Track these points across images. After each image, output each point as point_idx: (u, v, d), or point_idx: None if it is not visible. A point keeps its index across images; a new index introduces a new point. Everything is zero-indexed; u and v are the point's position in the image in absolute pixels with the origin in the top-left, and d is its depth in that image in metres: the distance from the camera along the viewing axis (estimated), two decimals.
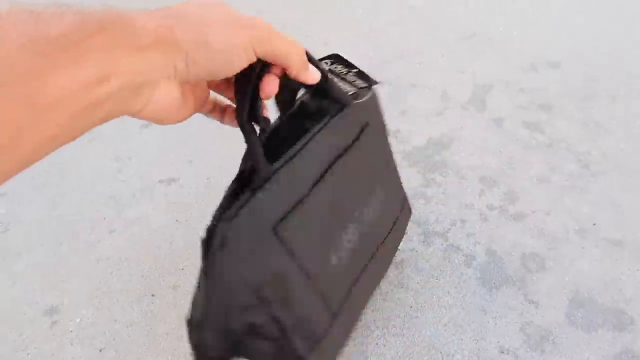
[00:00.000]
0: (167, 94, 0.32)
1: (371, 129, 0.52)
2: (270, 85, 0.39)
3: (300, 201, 0.43)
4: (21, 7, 0.25)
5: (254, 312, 0.42)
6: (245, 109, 0.39)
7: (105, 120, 0.29)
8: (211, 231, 0.40)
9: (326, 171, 0.46)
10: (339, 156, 0.47)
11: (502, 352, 0.60)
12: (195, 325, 0.43)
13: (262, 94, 0.39)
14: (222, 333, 0.43)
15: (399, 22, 1.30)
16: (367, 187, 0.53)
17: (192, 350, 0.44)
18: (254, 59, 0.35)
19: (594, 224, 0.73)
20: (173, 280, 0.72)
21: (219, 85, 0.42)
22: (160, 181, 0.89)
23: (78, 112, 0.26)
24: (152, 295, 0.70)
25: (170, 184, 0.88)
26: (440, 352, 0.61)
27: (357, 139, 0.50)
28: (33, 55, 0.24)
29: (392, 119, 0.97)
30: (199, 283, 0.42)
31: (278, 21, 0.40)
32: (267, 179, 0.41)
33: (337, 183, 0.47)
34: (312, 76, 0.41)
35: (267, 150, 0.42)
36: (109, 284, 0.72)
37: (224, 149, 0.94)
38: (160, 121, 0.35)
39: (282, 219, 0.42)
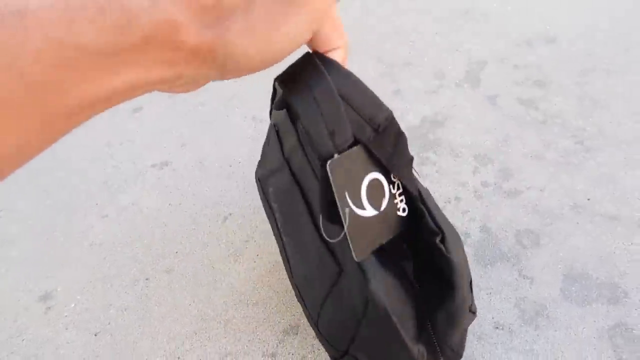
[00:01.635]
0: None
1: None
2: None
3: None
4: (56, 1, 0.20)
5: None
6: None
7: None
8: None
9: None
10: None
11: (497, 327, 0.60)
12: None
13: None
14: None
15: (392, 0, 1.28)
16: None
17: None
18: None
19: (589, 199, 0.73)
20: (167, 264, 0.71)
21: None
22: (152, 165, 0.88)
23: (92, 114, 0.23)
24: (146, 279, 0.70)
25: (163, 168, 0.87)
26: None
27: None
28: (55, 65, 0.21)
29: (386, 98, 0.96)
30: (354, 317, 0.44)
31: None
32: None
33: None
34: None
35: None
36: (102, 270, 0.72)
37: (216, 132, 0.93)
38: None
39: None
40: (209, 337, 0.62)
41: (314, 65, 0.33)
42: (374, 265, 0.42)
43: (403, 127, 0.89)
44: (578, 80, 0.95)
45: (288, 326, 0.62)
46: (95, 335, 0.64)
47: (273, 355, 0.60)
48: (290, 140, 0.52)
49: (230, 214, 0.77)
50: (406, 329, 0.42)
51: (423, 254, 0.46)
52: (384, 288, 0.41)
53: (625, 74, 0.95)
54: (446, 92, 0.97)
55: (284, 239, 0.54)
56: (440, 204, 0.75)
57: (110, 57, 0.22)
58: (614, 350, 0.56)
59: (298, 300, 0.58)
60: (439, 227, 0.43)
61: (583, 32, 1.08)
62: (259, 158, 0.63)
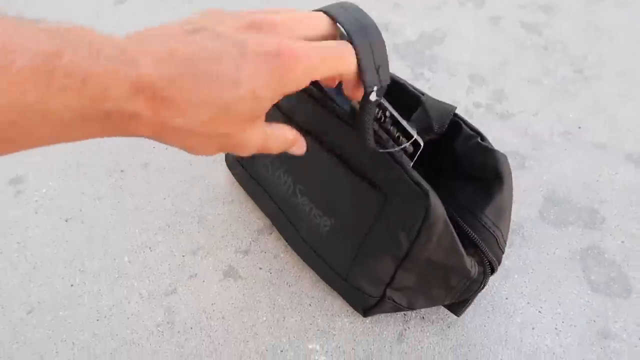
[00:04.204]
0: None
1: None
2: None
3: None
4: (42, 63, 0.21)
5: None
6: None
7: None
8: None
9: None
10: None
11: None
12: None
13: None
14: None
15: None
16: None
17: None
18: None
19: (580, 128, 0.71)
20: (144, 158, 0.69)
21: None
22: None
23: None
24: (122, 171, 0.68)
25: None
26: None
27: None
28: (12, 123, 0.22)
29: (385, 11, 0.91)
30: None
31: None
32: None
33: None
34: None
35: None
36: (76, 158, 0.70)
37: None
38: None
39: None
40: (181, 230, 0.62)
41: (356, 8, 0.34)
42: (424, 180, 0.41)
43: (399, 41, 0.85)
44: (585, 9, 0.91)
45: (262, 226, 0.61)
46: (66, 221, 0.63)
47: (246, 252, 0.59)
48: (289, 98, 0.50)
49: None
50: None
51: (461, 162, 0.47)
52: (439, 201, 0.40)
53: (634, 5, 0.91)
54: (448, 9, 0.92)
55: (298, 199, 0.51)
56: None
57: (67, 122, 0.23)
58: (584, 271, 0.57)
59: (310, 266, 0.55)
60: (475, 130, 0.47)
61: None
62: None
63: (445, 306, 0.52)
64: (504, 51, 0.83)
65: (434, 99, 0.47)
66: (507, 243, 0.59)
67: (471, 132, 0.46)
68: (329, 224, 0.49)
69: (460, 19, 0.90)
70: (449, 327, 0.52)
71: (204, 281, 0.57)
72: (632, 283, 0.55)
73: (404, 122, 0.39)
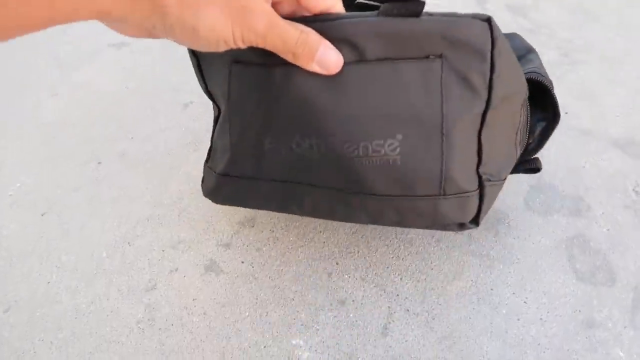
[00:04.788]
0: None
1: None
2: None
3: None
4: None
5: None
6: None
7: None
8: None
9: None
10: None
11: (457, 232, 0.59)
12: None
13: None
14: None
15: None
16: None
17: None
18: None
19: (566, 113, 0.71)
20: (121, 148, 0.67)
21: None
22: (110, 45, 0.81)
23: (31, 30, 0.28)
24: (99, 162, 0.66)
25: (121, 48, 0.80)
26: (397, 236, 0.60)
27: None
28: None
29: None
30: None
31: None
32: None
33: None
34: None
35: None
36: (51, 149, 0.67)
37: None
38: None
39: None
40: (161, 223, 0.60)
41: None
42: None
43: None
44: None
45: (244, 218, 0.60)
46: (42, 215, 0.61)
47: (227, 245, 0.58)
48: None
49: (192, 102, 0.72)
50: None
51: None
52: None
53: None
54: None
55: (337, 151, 0.39)
56: None
57: None
58: (569, 260, 0.56)
59: (386, 222, 0.44)
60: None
61: None
62: None
63: (523, 171, 0.54)
64: None
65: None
66: (494, 232, 0.58)
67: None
68: (396, 144, 0.39)
69: (445, 0, 0.88)
70: (434, 319, 0.52)
71: (185, 276, 0.55)
72: (616, 271, 0.55)
73: None
